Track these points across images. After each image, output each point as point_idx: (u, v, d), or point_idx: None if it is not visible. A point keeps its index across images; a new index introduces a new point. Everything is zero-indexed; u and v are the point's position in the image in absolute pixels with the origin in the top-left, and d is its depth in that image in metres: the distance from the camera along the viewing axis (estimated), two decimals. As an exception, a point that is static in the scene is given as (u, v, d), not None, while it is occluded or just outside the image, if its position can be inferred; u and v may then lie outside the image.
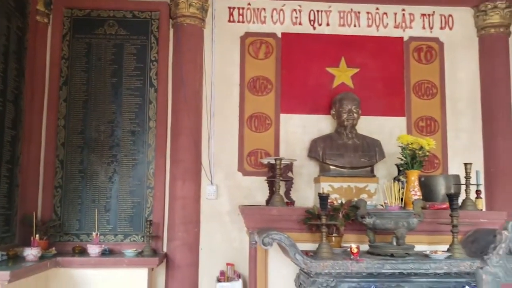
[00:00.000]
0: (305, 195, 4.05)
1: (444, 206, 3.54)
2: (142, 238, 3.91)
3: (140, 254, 3.74)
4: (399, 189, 3.09)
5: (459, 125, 4.22)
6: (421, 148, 3.51)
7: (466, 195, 3.47)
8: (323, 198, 2.95)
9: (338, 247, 3.12)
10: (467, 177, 3.46)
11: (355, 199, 3.55)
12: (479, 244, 3.03)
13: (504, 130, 4.10)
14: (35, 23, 3.94)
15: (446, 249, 2.95)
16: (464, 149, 4.17)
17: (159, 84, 4.11)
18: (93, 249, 3.64)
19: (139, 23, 4.19)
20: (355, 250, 2.74)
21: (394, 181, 3.74)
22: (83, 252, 3.71)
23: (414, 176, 3.51)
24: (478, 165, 4.11)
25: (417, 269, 2.70)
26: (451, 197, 2.89)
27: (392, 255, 2.79)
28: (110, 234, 3.95)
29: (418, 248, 3.06)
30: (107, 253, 3.76)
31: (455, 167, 4.05)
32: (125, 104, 4.10)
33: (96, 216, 3.80)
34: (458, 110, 4.23)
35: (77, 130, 4.05)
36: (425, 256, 2.87)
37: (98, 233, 3.77)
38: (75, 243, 3.84)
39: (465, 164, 3.49)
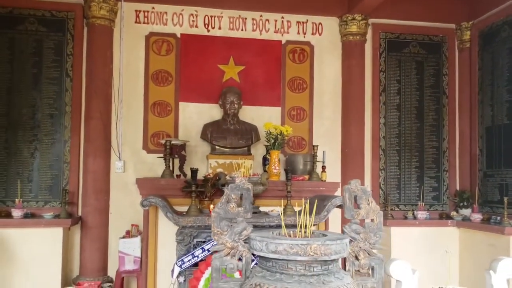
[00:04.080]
0: (199, 169, 4.96)
1: (301, 178, 4.60)
2: (60, 204, 4.69)
3: (57, 217, 4.55)
4: (250, 165, 4.06)
5: (323, 114, 5.25)
6: (281, 133, 4.51)
7: (313, 169, 4.53)
8: (193, 172, 3.89)
9: (208, 208, 4.08)
10: (314, 155, 4.51)
11: (233, 172, 4.52)
12: (311, 205, 4.07)
13: (357, 119, 5.17)
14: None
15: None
16: (326, 133, 5.21)
17: (74, 75, 4.83)
18: (16, 213, 4.42)
19: (56, 21, 4.85)
20: (212, 209, 3.71)
21: (263, 159, 4.79)
22: (8, 215, 4.47)
23: (275, 155, 4.51)
24: (337, 146, 5.21)
25: (256, 222, 3.70)
26: (287, 171, 3.90)
27: (239, 213, 3.78)
28: (33, 201, 4.71)
29: (269, 209, 4.08)
30: (29, 216, 4.55)
31: (319, 147, 5.09)
32: (44, 91, 4.80)
33: (19, 185, 4.55)
34: (323, 102, 5.25)
35: (3, 113, 4.71)
36: (265, 214, 3.89)
37: (21, 199, 4.53)
38: (2, 208, 4.57)
39: (313, 146, 4.54)
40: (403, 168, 5.30)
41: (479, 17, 5.13)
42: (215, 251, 2.19)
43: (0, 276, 4.28)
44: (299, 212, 2.19)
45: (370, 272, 2.23)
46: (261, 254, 2.06)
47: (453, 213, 5.04)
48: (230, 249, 2.17)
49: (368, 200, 2.23)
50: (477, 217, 4.71)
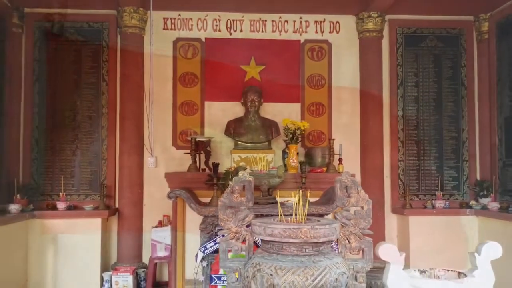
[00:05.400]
0: (223, 163, 5.31)
1: (319, 170, 4.86)
2: (99, 197, 5.18)
3: (96, 208, 5.04)
4: (271, 159, 4.36)
5: (341, 108, 5.46)
6: (299, 128, 4.77)
7: (330, 162, 4.76)
8: (214, 166, 4.23)
9: (230, 200, 4.42)
10: (330, 149, 4.74)
11: (254, 166, 4.84)
12: (327, 196, 4.33)
13: (375, 112, 5.34)
14: (12, 34, 5.09)
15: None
16: (345, 127, 5.42)
17: (109, 79, 5.30)
18: (61, 205, 4.94)
19: (93, 31, 5.33)
20: (231, 201, 4.04)
21: (283, 153, 5.07)
22: (53, 207, 5.00)
23: (293, 148, 4.78)
24: (356, 139, 5.40)
25: (271, 212, 3.99)
26: (301, 164, 4.17)
27: (257, 203, 4.09)
28: (75, 194, 5.23)
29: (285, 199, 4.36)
30: (72, 208, 5.07)
31: (337, 141, 5.29)
32: (84, 95, 5.30)
33: (62, 181, 5.06)
34: (341, 97, 5.46)
35: (48, 116, 5.25)
36: (281, 204, 4.17)
37: (65, 193, 5.04)
38: (48, 201, 5.11)
39: (329, 140, 4.78)
40: (422, 159, 5.42)
41: (496, 8, 5.15)
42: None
43: (47, 261, 4.81)
44: (310, 201, 2.49)
45: (361, 253, 2.49)
46: (260, 237, 2.37)
47: (472, 202, 5.13)
48: (234, 233, 2.49)
49: (357, 189, 2.48)
50: (494, 205, 4.79)
